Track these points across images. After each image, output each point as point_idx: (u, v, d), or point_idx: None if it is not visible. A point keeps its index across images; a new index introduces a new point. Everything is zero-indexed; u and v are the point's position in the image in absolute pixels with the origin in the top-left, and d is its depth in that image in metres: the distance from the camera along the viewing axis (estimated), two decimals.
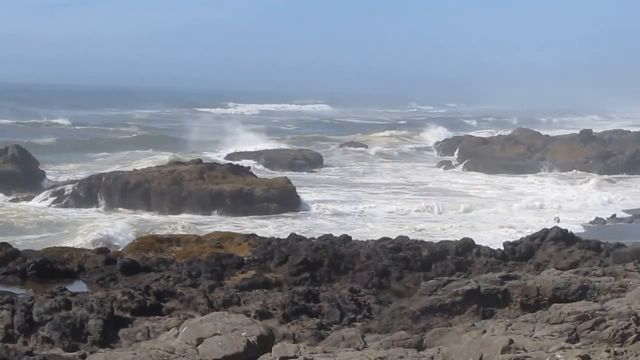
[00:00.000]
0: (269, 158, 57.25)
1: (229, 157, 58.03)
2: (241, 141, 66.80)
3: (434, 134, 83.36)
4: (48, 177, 46.03)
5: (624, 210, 40.16)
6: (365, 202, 41.34)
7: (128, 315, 15.32)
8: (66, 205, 38.41)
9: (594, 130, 68.87)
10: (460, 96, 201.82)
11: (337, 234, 25.01)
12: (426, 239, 24.80)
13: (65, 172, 50.85)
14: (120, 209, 37.80)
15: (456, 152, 67.84)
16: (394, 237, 23.92)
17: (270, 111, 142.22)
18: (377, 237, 25.27)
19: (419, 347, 11.26)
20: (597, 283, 15.10)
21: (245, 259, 22.40)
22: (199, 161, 44.41)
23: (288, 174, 46.95)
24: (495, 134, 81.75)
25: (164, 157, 53.65)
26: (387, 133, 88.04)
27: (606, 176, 55.17)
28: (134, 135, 79.33)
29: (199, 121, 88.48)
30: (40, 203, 38.84)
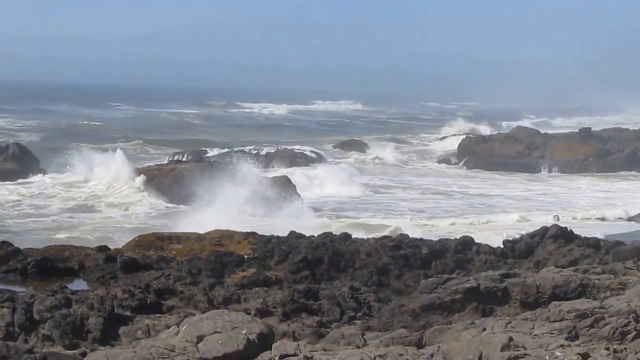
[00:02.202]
0: (269, 156, 57.27)
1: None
2: None
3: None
4: None
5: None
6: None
7: (128, 313, 15.34)
8: None
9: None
10: (471, 95, 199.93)
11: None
12: None
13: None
14: None
15: (455, 149, 67.88)
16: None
17: (299, 111, 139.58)
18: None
19: (419, 345, 11.28)
20: (597, 281, 15.13)
21: (246, 256, 22.42)
22: (200, 159, 44.44)
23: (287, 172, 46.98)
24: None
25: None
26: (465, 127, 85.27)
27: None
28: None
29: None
30: None
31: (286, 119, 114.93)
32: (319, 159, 59.21)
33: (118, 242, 26.57)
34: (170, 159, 53.54)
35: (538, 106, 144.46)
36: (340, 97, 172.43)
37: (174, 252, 23.27)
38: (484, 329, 11.04)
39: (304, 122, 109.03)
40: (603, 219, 36.45)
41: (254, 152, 57.74)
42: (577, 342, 10.04)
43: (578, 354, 9.01)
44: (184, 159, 51.26)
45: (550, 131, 76.97)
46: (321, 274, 21.01)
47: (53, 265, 21.19)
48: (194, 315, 13.34)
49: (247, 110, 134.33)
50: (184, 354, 9.84)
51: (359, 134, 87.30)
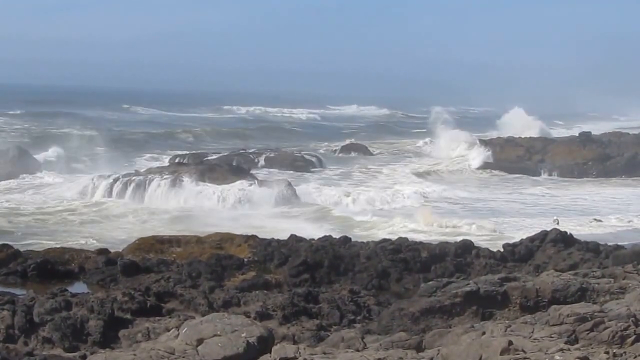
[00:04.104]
0: (269, 159, 57.24)
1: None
2: None
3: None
4: None
5: None
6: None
7: (128, 316, 15.36)
8: None
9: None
10: (479, 100, 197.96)
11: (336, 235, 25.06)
12: None
13: None
14: None
15: (456, 153, 67.97)
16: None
17: (328, 115, 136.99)
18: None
19: (419, 348, 11.29)
20: (596, 285, 15.14)
21: (245, 260, 22.44)
22: (200, 162, 44.46)
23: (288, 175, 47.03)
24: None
25: None
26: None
27: None
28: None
29: None
30: None
31: (320, 124, 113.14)
32: (319, 163, 59.20)
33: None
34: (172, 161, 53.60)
35: (550, 111, 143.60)
36: (354, 101, 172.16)
37: (174, 255, 23.29)
38: (484, 333, 11.05)
39: (341, 126, 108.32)
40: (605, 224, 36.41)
41: (253, 156, 57.77)
42: (576, 346, 10.05)
43: (578, 357, 9.02)
44: (185, 162, 51.29)
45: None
46: (321, 277, 21.03)
47: (53, 268, 21.23)
48: (194, 318, 13.34)
49: (282, 115, 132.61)
50: (183, 357, 9.84)
51: (398, 136, 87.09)
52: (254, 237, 24.97)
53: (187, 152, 60.73)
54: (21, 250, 23.00)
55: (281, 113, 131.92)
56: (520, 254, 22.86)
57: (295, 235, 24.75)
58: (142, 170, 43.78)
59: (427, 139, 77.00)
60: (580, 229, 33.54)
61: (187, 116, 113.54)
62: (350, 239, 24.19)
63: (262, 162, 56.28)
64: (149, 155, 62.10)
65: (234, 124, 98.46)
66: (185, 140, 75.57)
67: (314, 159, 59.28)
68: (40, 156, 50.75)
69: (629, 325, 10.36)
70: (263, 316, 15.96)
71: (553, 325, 10.80)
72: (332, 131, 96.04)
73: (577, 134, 67.55)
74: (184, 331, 10.51)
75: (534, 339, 10.22)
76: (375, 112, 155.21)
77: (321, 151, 68.70)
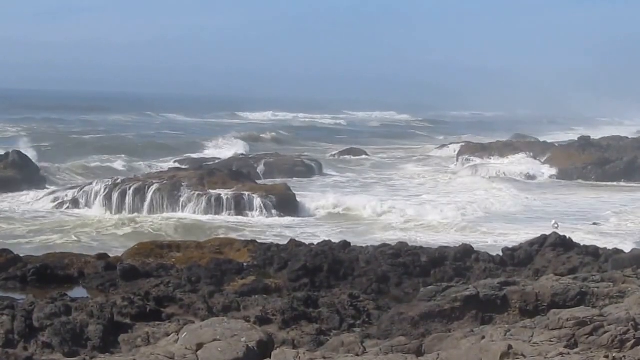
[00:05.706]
0: (268, 164, 57.24)
1: None
2: None
3: None
4: None
5: None
6: None
7: (128, 320, 15.37)
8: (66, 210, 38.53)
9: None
10: (486, 105, 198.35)
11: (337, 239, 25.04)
12: None
13: None
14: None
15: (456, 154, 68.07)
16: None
17: (353, 120, 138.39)
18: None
19: (418, 352, 11.30)
20: (596, 289, 15.16)
21: (245, 264, 22.45)
22: (199, 167, 44.39)
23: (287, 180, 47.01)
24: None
25: None
26: None
27: None
28: None
29: None
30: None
31: (347, 130, 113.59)
32: (318, 167, 59.20)
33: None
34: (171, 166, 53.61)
35: (560, 115, 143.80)
36: (371, 105, 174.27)
37: (173, 259, 23.28)
38: (483, 337, 11.06)
39: (372, 131, 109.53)
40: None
41: (252, 161, 57.76)
42: (576, 350, 10.06)
43: None
44: (185, 167, 51.30)
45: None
46: (321, 281, 21.03)
47: (53, 273, 21.21)
48: (194, 323, 13.36)
49: (310, 120, 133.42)
50: None
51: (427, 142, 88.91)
52: (253, 241, 24.99)
53: (188, 157, 60.95)
54: (21, 255, 23.00)
55: (308, 119, 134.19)
56: (520, 258, 22.85)
57: (295, 240, 24.75)
58: (141, 176, 43.79)
59: (439, 145, 78.05)
60: (579, 233, 33.54)
61: (210, 122, 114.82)
62: (349, 243, 24.18)
63: (261, 167, 56.31)
64: (159, 159, 62.43)
65: (261, 129, 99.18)
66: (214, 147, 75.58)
67: (313, 164, 59.30)
68: (46, 164, 50.89)
69: (629, 330, 10.37)
70: (263, 321, 15.95)
71: (553, 329, 10.82)
72: (358, 135, 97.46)
73: (583, 139, 67.39)
74: (183, 336, 10.52)
75: (534, 343, 10.24)
76: (398, 117, 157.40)
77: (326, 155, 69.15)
